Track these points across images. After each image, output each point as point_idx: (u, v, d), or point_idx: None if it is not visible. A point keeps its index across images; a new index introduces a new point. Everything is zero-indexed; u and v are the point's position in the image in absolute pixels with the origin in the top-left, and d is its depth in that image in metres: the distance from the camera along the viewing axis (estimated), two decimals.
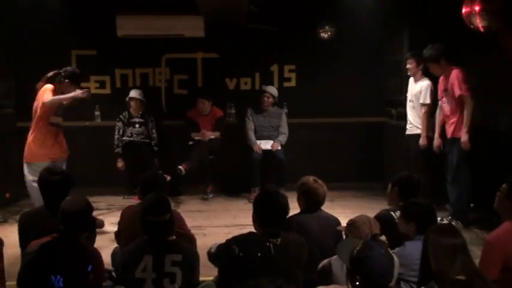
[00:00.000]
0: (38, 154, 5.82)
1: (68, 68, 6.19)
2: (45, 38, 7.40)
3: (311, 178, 4.09)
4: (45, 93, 5.79)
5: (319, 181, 4.08)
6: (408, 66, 6.37)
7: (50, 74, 5.94)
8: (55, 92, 5.84)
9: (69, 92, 5.88)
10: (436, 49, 5.82)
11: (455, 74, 5.73)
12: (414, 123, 6.38)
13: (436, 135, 6.12)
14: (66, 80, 5.92)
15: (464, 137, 5.69)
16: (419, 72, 6.30)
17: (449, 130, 5.90)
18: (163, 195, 3.55)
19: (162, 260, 3.19)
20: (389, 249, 3.02)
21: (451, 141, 5.90)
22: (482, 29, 5.26)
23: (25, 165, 5.86)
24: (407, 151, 6.51)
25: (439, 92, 6.04)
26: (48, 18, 7.30)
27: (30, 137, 5.89)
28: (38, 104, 5.83)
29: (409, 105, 6.47)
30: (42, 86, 5.87)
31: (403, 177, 4.35)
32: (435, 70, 5.94)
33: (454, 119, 5.82)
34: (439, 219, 5.76)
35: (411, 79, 6.46)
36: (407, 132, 6.49)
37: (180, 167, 6.99)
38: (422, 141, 6.23)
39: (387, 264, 2.56)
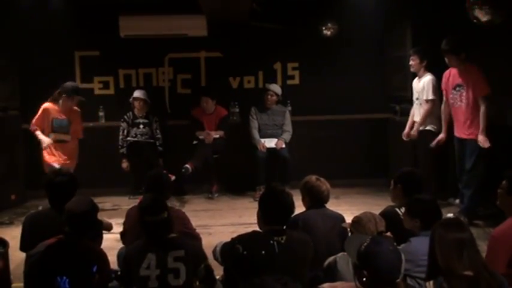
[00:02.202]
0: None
1: (64, 84, 6.56)
2: (48, 39, 7.42)
3: (313, 177, 4.11)
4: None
5: (322, 179, 4.09)
6: (411, 62, 6.32)
7: (55, 93, 6.49)
8: (45, 112, 6.45)
9: (71, 105, 6.52)
10: (457, 41, 5.70)
11: (475, 71, 5.64)
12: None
13: (443, 130, 6.07)
14: (64, 95, 6.43)
15: (481, 136, 5.60)
16: (422, 68, 6.26)
17: (464, 131, 5.78)
18: (158, 195, 3.63)
19: (165, 257, 3.23)
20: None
21: (467, 143, 5.77)
22: (485, 23, 5.23)
23: None
24: (413, 148, 6.47)
25: (445, 86, 5.97)
26: (51, 19, 7.32)
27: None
28: None
29: (416, 103, 6.42)
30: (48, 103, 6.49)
31: (406, 173, 4.33)
32: (452, 62, 5.78)
33: (470, 119, 5.71)
34: (450, 214, 5.80)
35: (416, 78, 6.42)
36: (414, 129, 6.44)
37: (186, 165, 7.00)
38: (414, 132, 6.22)
39: (395, 260, 2.55)
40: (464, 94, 5.74)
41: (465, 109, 5.75)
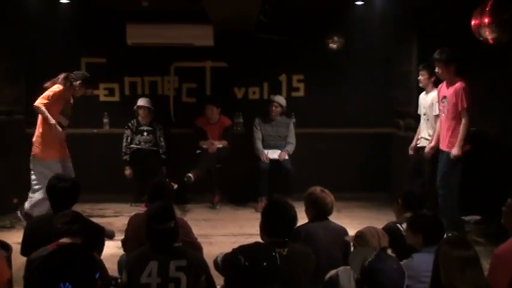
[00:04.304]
0: (42, 152, 5.88)
1: (79, 71, 6.29)
2: (55, 45, 7.44)
3: (318, 188, 4.10)
4: (43, 96, 5.85)
5: (326, 191, 4.08)
6: (420, 77, 6.31)
7: (61, 76, 5.99)
8: (61, 95, 5.88)
9: (80, 93, 6.10)
10: (448, 53, 5.69)
11: (461, 85, 5.62)
12: (427, 136, 6.30)
13: (434, 139, 6.03)
14: (79, 82, 6.02)
15: (458, 150, 5.58)
16: (430, 84, 6.25)
17: (444, 143, 5.76)
18: (167, 204, 3.59)
19: (167, 266, 3.22)
20: None
21: (445, 154, 5.73)
22: (491, 41, 5.24)
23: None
24: (417, 163, 6.42)
25: (437, 97, 5.95)
26: (58, 26, 7.34)
27: (36, 132, 5.97)
28: None
29: (423, 118, 6.39)
30: (50, 86, 5.93)
31: (406, 190, 4.39)
32: (443, 74, 5.77)
33: (451, 131, 5.68)
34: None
35: (423, 93, 6.41)
36: (420, 144, 6.38)
37: (189, 174, 7.02)
38: (427, 150, 6.15)
39: (398, 279, 2.55)
40: (446, 106, 5.74)
41: (445, 121, 5.77)
